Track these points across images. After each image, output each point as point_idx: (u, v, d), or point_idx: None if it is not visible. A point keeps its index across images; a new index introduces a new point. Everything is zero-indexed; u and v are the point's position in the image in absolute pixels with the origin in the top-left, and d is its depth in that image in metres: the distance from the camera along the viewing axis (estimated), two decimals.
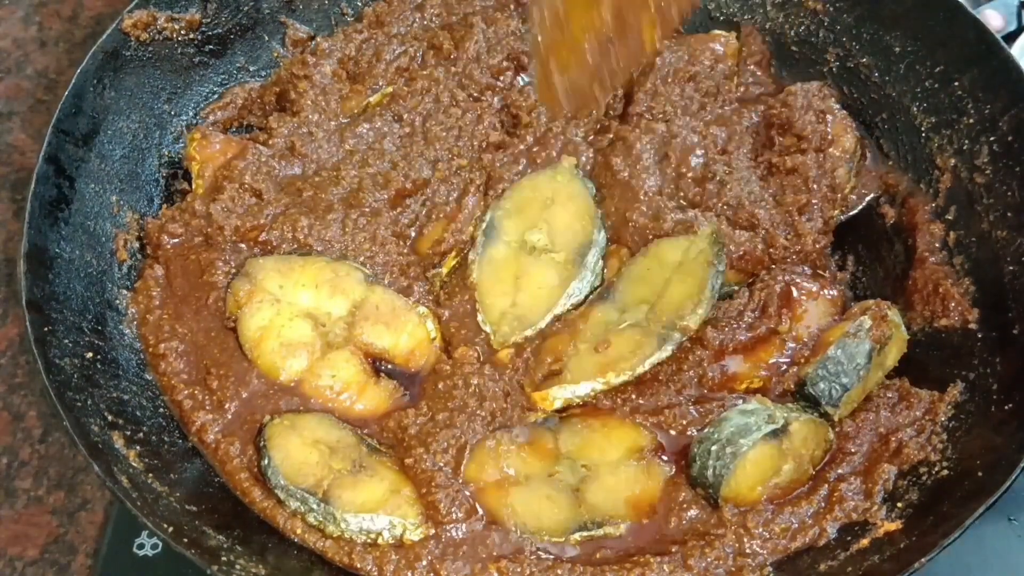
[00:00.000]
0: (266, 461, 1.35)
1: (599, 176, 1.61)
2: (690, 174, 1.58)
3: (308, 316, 1.47)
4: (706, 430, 1.37)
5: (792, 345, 1.45)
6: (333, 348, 1.46)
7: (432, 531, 1.32)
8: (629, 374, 1.39)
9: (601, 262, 1.52)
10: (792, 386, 1.42)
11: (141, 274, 1.53)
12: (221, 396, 1.44)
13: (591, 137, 1.65)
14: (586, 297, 1.49)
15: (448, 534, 1.32)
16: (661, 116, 1.65)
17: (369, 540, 1.31)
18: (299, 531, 1.33)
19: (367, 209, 1.58)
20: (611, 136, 1.64)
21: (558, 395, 1.40)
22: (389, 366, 1.48)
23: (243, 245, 1.55)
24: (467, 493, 1.35)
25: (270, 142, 1.64)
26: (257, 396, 1.44)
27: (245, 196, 1.57)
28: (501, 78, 1.72)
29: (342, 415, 1.43)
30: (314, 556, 1.31)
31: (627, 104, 1.68)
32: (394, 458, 1.39)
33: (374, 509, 1.32)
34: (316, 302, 1.48)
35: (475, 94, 1.69)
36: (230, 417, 1.43)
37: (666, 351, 1.40)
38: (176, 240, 1.55)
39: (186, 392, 1.44)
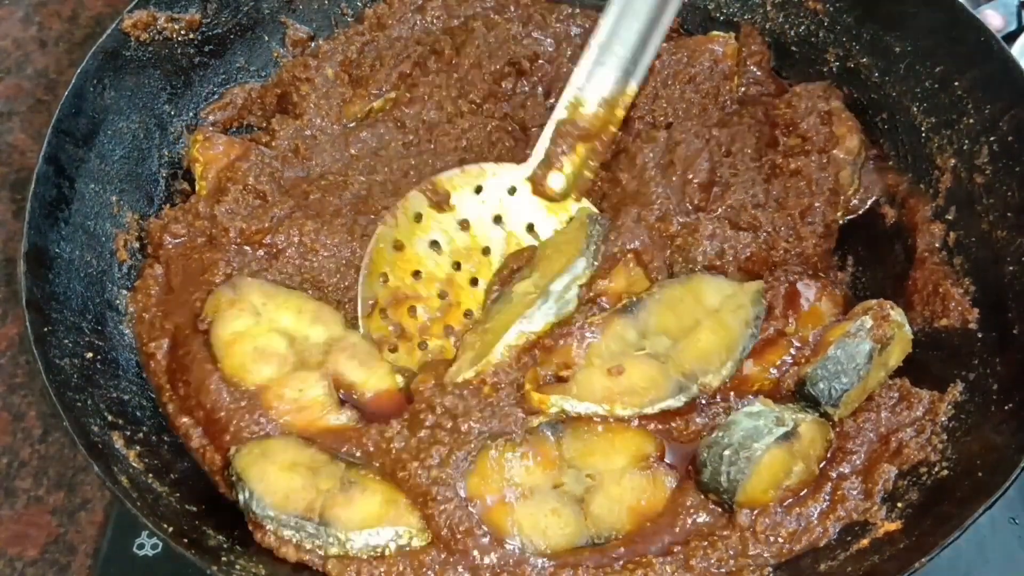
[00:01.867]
0: (247, 495, 1.29)
1: (608, 191, 1.61)
2: (696, 180, 1.58)
3: (285, 334, 1.46)
4: (714, 435, 1.35)
5: (798, 345, 1.45)
6: (305, 367, 1.43)
7: (433, 537, 1.30)
8: (635, 411, 1.37)
9: (575, 289, 1.47)
10: (792, 386, 1.41)
11: (141, 273, 1.53)
12: (189, 403, 1.42)
13: None
14: (550, 326, 1.44)
15: (450, 549, 1.30)
16: (663, 119, 1.65)
17: (375, 555, 1.28)
18: (292, 557, 1.29)
19: (373, 216, 1.57)
20: (613, 148, 1.64)
21: (558, 403, 1.37)
22: (354, 397, 1.44)
23: (247, 248, 1.55)
24: (471, 510, 1.31)
25: (273, 144, 1.64)
26: (218, 407, 1.39)
27: (249, 198, 1.57)
28: (503, 83, 1.72)
29: (300, 431, 1.39)
30: None
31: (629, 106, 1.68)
32: (374, 469, 1.35)
33: (376, 523, 1.28)
34: (296, 325, 1.47)
35: (477, 101, 1.69)
36: (203, 424, 1.41)
37: (679, 400, 1.38)
38: (178, 241, 1.55)
39: (170, 394, 1.44)
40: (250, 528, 1.31)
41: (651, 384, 1.38)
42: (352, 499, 1.30)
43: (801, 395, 1.40)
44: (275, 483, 1.30)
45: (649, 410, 1.37)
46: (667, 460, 1.38)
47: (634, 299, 1.46)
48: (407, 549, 1.29)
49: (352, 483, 1.31)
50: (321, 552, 1.28)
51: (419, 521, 1.30)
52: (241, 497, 1.30)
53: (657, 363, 1.40)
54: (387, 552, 1.28)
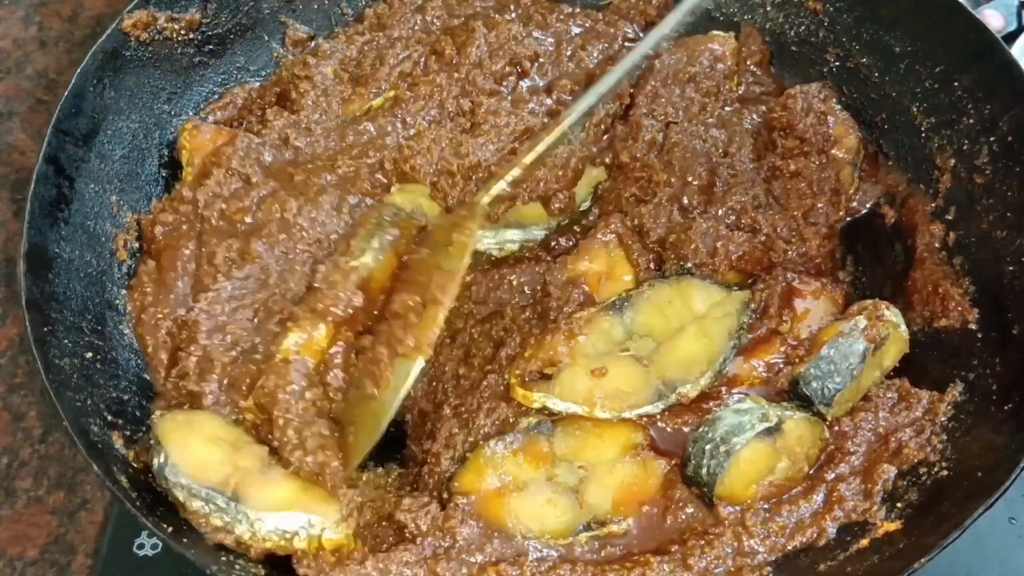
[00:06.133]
0: (161, 459, 1.27)
1: (604, 195, 1.63)
2: (696, 183, 1.58)
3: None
4: (700, 429, 1.37)
5: (792, 344, 1.45)
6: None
7: (353, 529, 1.29)
8: (613, 415, 1.38)
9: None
10: (786, 385, 1.42)
11: (136, 271, 1.53)
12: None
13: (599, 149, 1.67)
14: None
15: (447, 539, 1.30)
16: (662, 118, 1.65)
17: (284, 540, 1.27)
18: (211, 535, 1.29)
19: (362, 196, 1.56)
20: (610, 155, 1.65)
21: (541, 400, 1.38)
22: None
23: (223, 224, 1.52)
24: (465, 503, 1.32)
25: (263, 132, 1.63)
26: None
27: (232, 180, 1.56)
28: (504, 83, 1.72)
29: None
30: None
31: (628, 107, 1.68)
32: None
33: (289, 507, 1.27)
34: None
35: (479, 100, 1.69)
36: None
37: (657, 407, 1.39)
38: (166, 229, 1.54)
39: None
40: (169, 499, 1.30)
41: (632, 389, 1.39)
42: (270, 480, 1.29)
43: (795, 394, 1.40)
44: (193, 452, 1.29)
45: (628, 415, 1.38)
46: (657, 446, 1.39)
47: (623, 295, 1.47)
48: (319, 541, 1.27)
49: (272, 466, 1.31)
50: (230, 530, 1.26)
51: (336, 513, 1.29)
52: (155, 462, 1.28)
53: (640, 367, 1.41)
54: (296, 541, 1.27)
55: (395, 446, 1.46)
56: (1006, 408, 1.32)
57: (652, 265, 1.54)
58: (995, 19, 1.85)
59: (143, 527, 1.31)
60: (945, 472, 1.32)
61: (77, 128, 1.50)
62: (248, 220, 1.53)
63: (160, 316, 1.48)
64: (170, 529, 1.23)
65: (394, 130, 1.66)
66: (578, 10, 1.82)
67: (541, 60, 1.75)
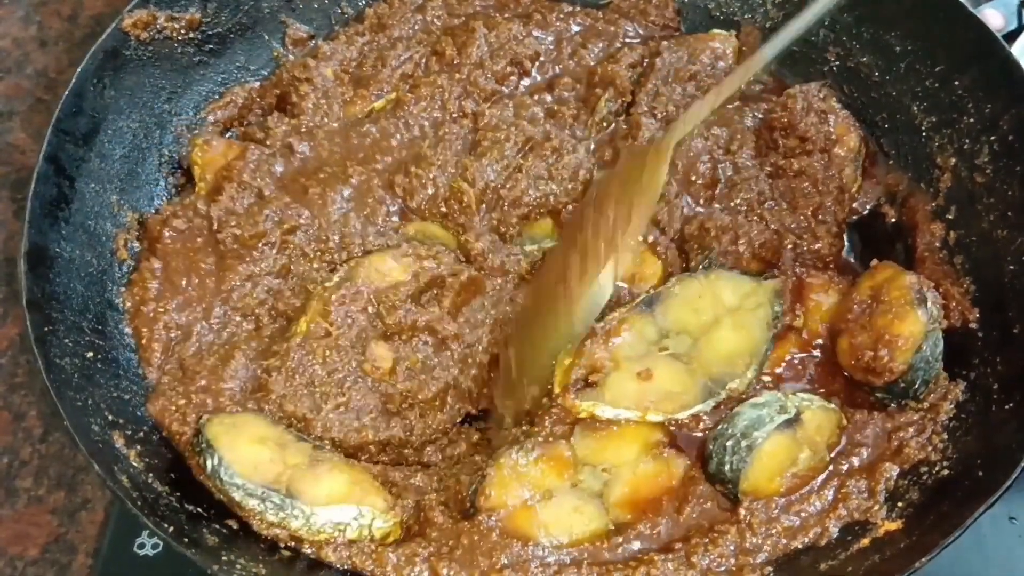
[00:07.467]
0: (215, 461, 1.30)
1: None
2: (700, 180, 1.58)
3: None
4: (720, 426, 1.36)
5: (806, 338, 1.45)
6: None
7: (399, 517, 1.31)
8: (667, 417, 1.37)
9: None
10: (881, 383, 1.39)
11: (137, 267, 1.52)
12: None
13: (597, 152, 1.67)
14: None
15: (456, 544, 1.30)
16: (663, 116, 1.65)
17: (338, 531, 1.29)
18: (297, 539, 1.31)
19: (381, 225, 1.57)
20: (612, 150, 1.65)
21: (590, 409, 1.37)
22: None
23: (240, 249, 1.53)
24: (494, 520, 1.30)
25: (268, 141, 1.63)
26: None
27: (244, 195, 1.56)
28: (506, 84, 1.72)
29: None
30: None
31: (630, 104, 1.68)
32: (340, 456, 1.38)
33: (341, 500, 1.30)
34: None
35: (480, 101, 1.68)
36: None
37: (708, 405, 1.38)
38: (177, 235, 1.54)
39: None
40: (222, 499, 1.31)
41: (681, 389, 1.38)
42: (319, 476, 1.32)
43: (891, 392, 1.38)
44: (244, 453, 1.32)
45: (681, 415, 1.37)
46: (676, 443, 1.38)
47: (651, 292, 1.46)
48: (370, 530, 1.30)
49: (319, 461, 1.33)
50: (284, 526, 1.29)
51: (383, 502, 1.31)
52: (209, 463, 1.31)
53: (682, 365, 1.40)
54: (348, 530, 1.29)
55: None
56: (1007, 407, 1.33)
57: (677, 256, 1.54)
58: (995, 18, 1.85)
59: (144, 527, 1.32)
60: (946, 472, 1.32)
61: (77, 127, 1.50)
62: (263, 247, 1.52)
63: (160, 310, 1.48)
64: (171, 529, 1.22)
65: (397, 131, 1.66)
66: (578, 8, 1.82)
67: (542, 59, 1.75)
